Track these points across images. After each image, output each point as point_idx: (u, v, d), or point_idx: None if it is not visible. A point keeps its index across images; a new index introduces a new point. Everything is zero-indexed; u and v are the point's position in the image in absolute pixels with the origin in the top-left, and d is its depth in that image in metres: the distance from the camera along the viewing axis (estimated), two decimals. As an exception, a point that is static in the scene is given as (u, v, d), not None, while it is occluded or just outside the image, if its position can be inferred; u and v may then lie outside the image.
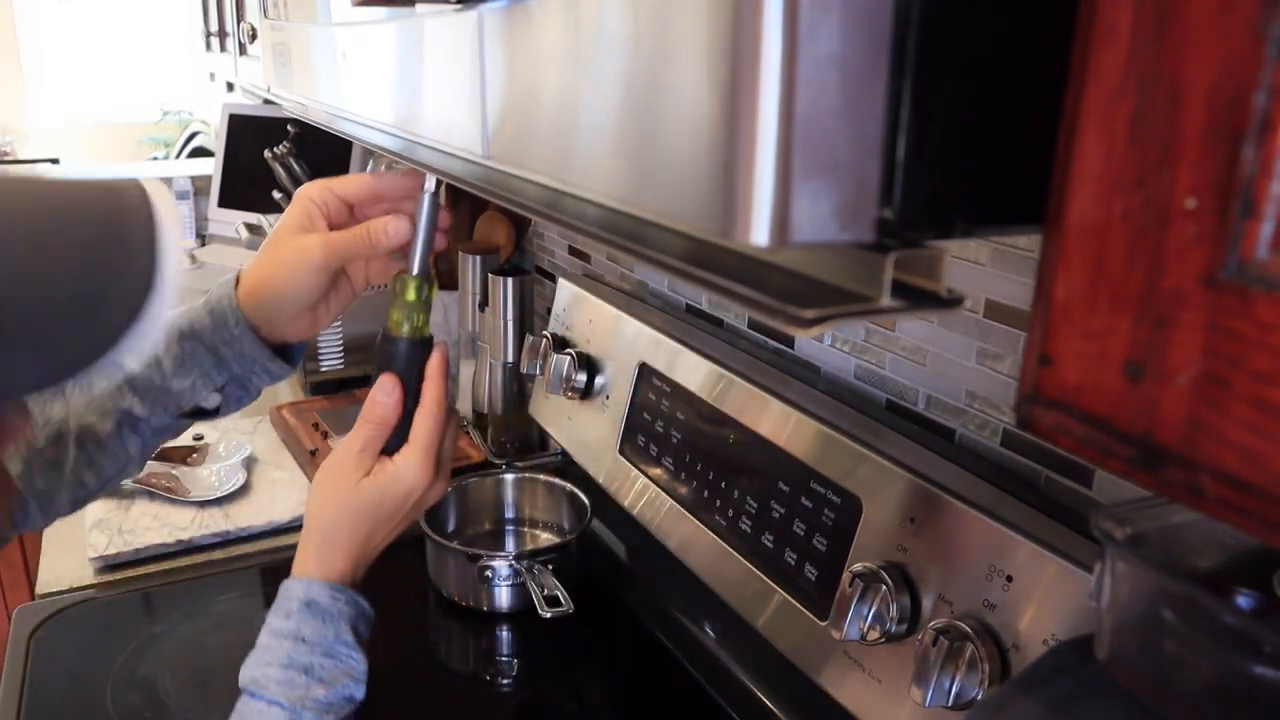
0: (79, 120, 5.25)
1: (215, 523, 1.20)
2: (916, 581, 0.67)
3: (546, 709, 0.95)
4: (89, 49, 5.28)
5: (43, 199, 0.49)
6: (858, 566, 0.68)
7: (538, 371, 1.17)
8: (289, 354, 0.79)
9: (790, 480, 0.79)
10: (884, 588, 0.66)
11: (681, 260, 0.33)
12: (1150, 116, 0.24)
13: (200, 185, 2.62)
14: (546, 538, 1.18)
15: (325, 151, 1.70)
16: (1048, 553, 0.59)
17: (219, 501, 1.25)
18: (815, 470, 0.77)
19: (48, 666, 0.96)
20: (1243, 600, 0.35)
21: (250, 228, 1.91)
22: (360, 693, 0.69)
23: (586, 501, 1.11)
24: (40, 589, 1.09)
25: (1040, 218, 0.28)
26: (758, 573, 0.81)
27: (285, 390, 1.66)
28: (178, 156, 4.19)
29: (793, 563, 0.78)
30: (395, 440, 0.73)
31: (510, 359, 1.28)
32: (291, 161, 1.75)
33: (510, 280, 1.25)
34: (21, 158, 4.79)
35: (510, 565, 1.01)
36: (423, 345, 0.74)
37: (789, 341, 0.96)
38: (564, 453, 1.21)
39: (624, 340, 1.05)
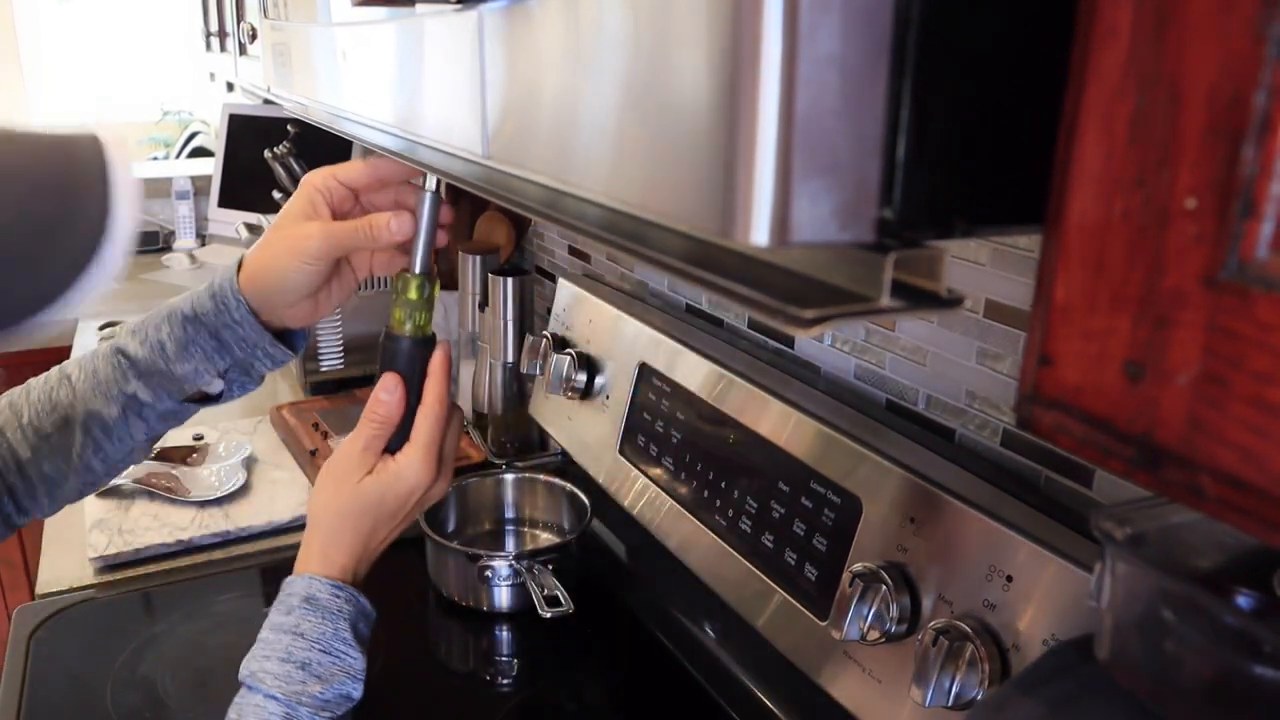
0: (79, 120, 5.24)
1: (215, 523, 1.20)
2: (916, 581, 0.67)
3: (546, 709, 0.95)
4: (89, 49, 5.28)
5: None
6: (858, 566, 0.68)
7: (538, 371, 1.17)
8: (291, 339, 0.79)
9: (790, 480, 0.79)
10: (884, 588, 0.66)
11: (681, 260, 0.33)
12: (1150, 116, 0.24)
13: (200, 185, 2.62)
14: (546, 538, 1.18)
15: (325, 151, 1.69)
16: (1048, 553, 0.59)
17: (219, 501, 1.25)
18: (815, 470, 0.77)
19: (48, 666, 0.96)
20: (1243, 600, 0.35)
21: (250, 228, 1.91)
22: (358, 691, 0.69)
23: (586, 501, 1.11)
24: (40, 589, 1.09)
25: (1040, 218, 0.28)
26: (758, 573, 0.81)
27: (285, 390, 1.67)
28: (178, 156, 4.19)
29: (793, 563, 0.78)
30: (398, 439, 0.73)
31: (510, 359, 1.28)
32: (291, 161, 1.75)
33: (510, 280, 1.25)
34: (21, 158, 4.78)
35: (510, 565, 1.01)
36: (425, 344, 0.74)
37: (789, 341, 0.96)
38: (564, 453, 1.21)
39: (624, 340, 1.05)
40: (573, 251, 1.40)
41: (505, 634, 1.05)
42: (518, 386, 1.32)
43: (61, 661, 0.97)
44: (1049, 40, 0.27)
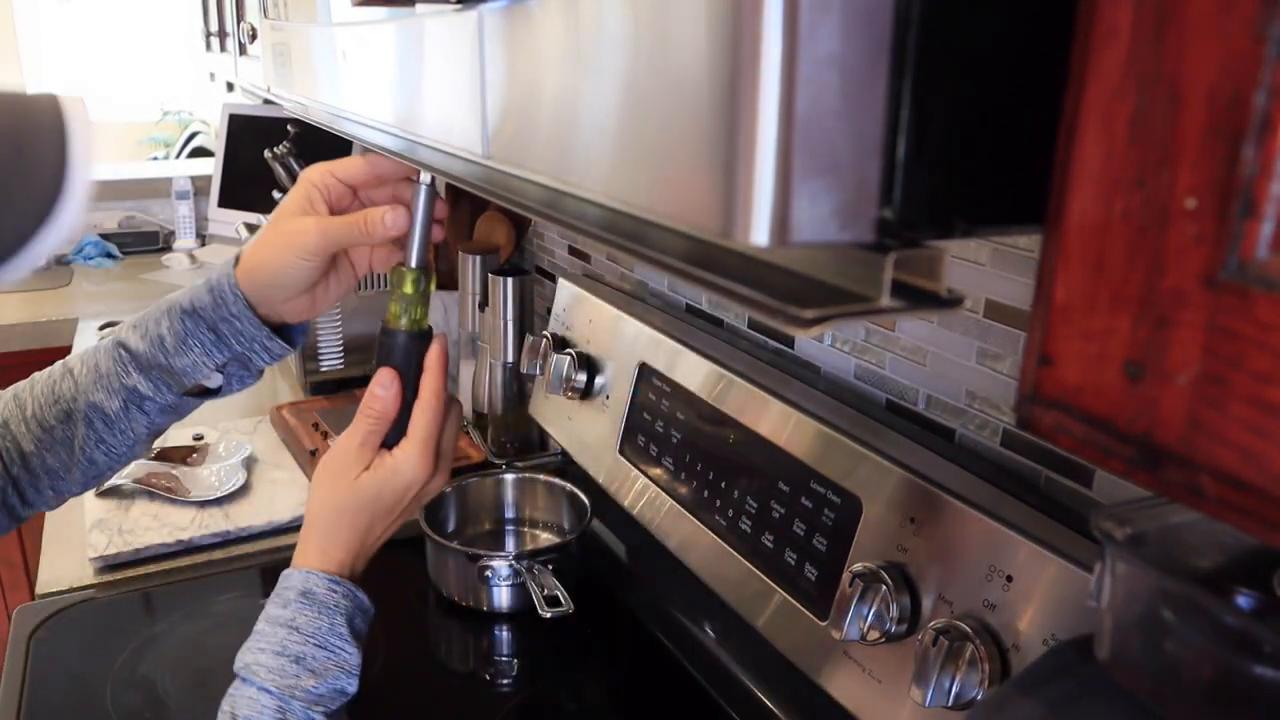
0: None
1: (215, 523, 1.20)
2: (916, 581, 0.66)
3: (546, 709, 0.95)
4: (89, 49, 5.28)
5: None
6: (858, 566, 0.68)
7: (538, 371, 1.17)
8: (289, 334, 0.79)
9: (790, 480, 0.79)
10: (884, 588, 0.66)
11: (681, 260, 0.33)
12: (1150, 116, 0.24)
13: (200, 185, 2.62)
14: (546, 538, 1.18)
15: (325, 151, 1.69)
16: (1048, 553, 0.59)
17: (219, 501, 1.25)
18: (815, 470, 0.77)
19: (48, 666, 0.96)
20: (1243, 600, 0.35)
21: (250, 227, 1.91)
22: (352, 686, 0.69)
23: (586, 501, 1.11)
24: (40, 589, 1.09)
25: (1040, 218, 0.28)
26: (758, 573, 0.81)
27: (285, 390, 1.67)
28: (178, 156, 4.19)
29: (793, 563, 0.78)
30: (395, 433, 0.73)
31: (510, 359, 1.28)
32: (291, 161, 1.75)
33: (510, 280, 1.25)
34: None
35: (510, 565, 1.01)
36: (421, 338, 0.74)
37: (789, 341, 0.96)
38: (564, 453, 1.21)
39: (624, 340, 1.05)
40: (573, 251, 1.40)
41: (505, 634, 1.05)
42: (518, 386, 1.32)
43: (61, 661, 0.97)
44: (1049, 40, 0.27)
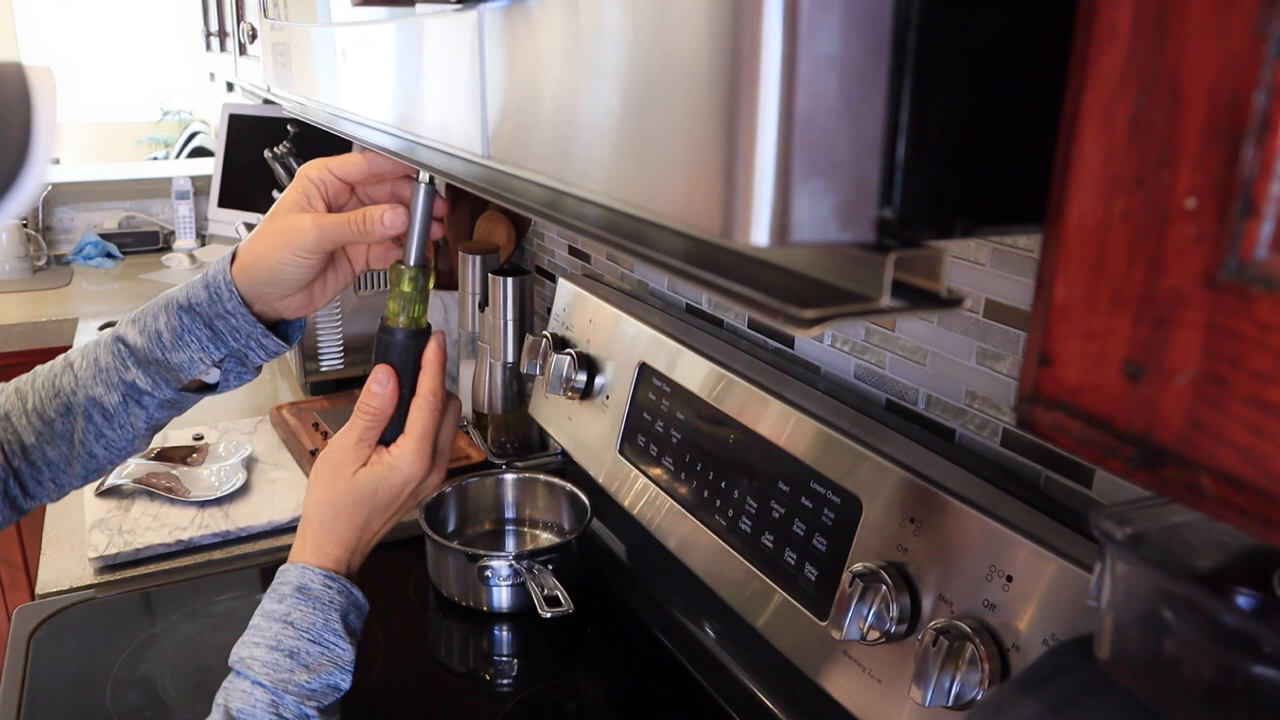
0: (79, 120, 5.25)
1: (215, 523, 1.20)
2: (916, 581, 0.66)
3: (546, 709, 0.95)
4: (89, 49, 5.28)
5: None
6: (858, 566, 0.68)
7: (538, 371, 1.17)
8: (287, 330, 0.79)
9: (790, 480, 0.79)
10: (884, 588, 0.66)
11: (681, 260, 0.33)
12: (1150, 116, 0.24)
13: (200, 185, 2.62)
14: (546, 538, 1.18)
15: (325, 151, 1.68)
16: (1048, 553, 0.59)
17: (219, 501, 1.25)
18: (815, 470, 0.77)
19: (48, 666, 0.96)
20: (1243, 600, 0.35)
21: (250, 227, 1.90)
22: (346, 682, 0.69)
23: (586, 501, 1.11)
24: (40, 589, 1.09)
25: (1040, 218, 0.28)
26: (758, 573, 0.81)
27: (285, 390, 1.67)
28: (178, 156, 4.19)
29: (793, 563, 0.78)
30: (392, 430, 0.73)
31: (510, 359, 1.28)
32: (291, 161, 1.75)
33: (510, 280, 1.25)
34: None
35: (510, 565, 1.01)
36: (419, 336, 0.74)
37: (789, 341, 0.96)
38: (564, 453, 1.21)
39: (624, 340, 1.05)
40: (573, 251, 1.40)
41: (505, 634, 1.05)
42: (518, 386, 1.32)
43: (61, 661, 0.97)
44: (1049, 40, 0.27)
